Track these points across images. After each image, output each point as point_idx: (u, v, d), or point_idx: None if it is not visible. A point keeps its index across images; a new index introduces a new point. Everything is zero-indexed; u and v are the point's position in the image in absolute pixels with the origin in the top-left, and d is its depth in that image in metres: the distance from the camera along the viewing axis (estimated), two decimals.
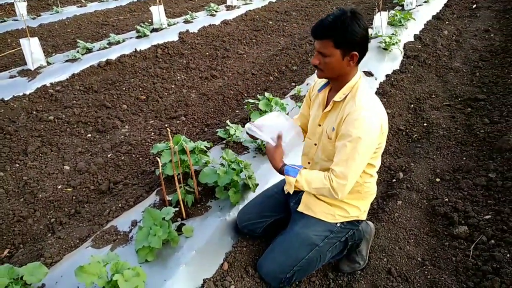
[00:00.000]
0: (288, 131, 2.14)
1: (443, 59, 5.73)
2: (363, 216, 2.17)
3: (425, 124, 4.03)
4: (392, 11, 6.88)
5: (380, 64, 5.11)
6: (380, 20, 5.84)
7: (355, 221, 2.15)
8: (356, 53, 1.82)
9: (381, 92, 4.54)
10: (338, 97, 1.94)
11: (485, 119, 3.95)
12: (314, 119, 2.13)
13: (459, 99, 4.54)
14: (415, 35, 6.37)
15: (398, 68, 5.27)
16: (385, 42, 5.37)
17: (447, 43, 6.33)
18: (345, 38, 1.77)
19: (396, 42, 5.44)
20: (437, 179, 3.19)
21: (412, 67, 5.31)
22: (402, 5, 7.83)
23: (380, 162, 2.09)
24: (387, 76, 4.99)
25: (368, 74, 4.75)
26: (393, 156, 3.58)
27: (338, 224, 2.10)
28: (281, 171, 2.04)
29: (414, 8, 7.56)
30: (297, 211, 2.17)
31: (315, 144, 2.11)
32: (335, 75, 1.92)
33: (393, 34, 5.75)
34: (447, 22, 7.33)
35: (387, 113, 4.03)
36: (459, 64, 5.54)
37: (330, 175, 1.87)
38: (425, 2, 8.03)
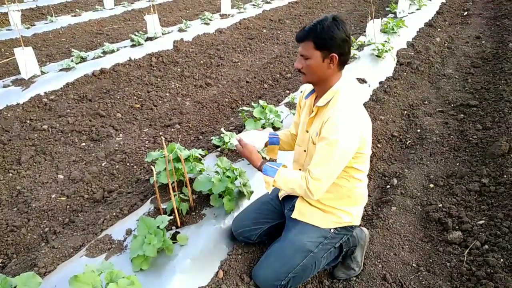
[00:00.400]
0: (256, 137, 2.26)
1: (436, 65, 5.79)
2: (357, 222, 2.18)
3: (418, 131, 4.06)
4: (385, 19, 6.95)
5: (374, 71, 5.15)
6: (373, 27, 5.90)
7: (348, 226, 2.16)
8: (335, 55, 1.87)
9: (374, 99, 4.57)
10: (321, 102, 1.98)
11: (478, 125, 3.99)
12: (302, 126, 2.17)
13: (452, 105, 4.59)
14: (407, 42, 6.44)
15: (391, 75, 5.31)
16: (378, 49, 5.42)
17: (439, 50, 6.40)
18: (324, 39, 1.85)
19: (389, 49, 5.49)
20: (431, 185, 3.21)
21: (405, 73, 5.36)
22: (395, 13, 7.92)
23: (368, 167, 2.10)
24: (380, 83, 5.03)
25: (362, 81, 4.79)
26: (387, 162, 3.60)
27: (332, 230, 2.11)
28: (260, 170, 2.07)
29: (406, 15, 7.65)
30: (292, 218, 2.18)
31: (305, 151, 2.14)
32: (318, 79, 1.97)
33: (386, 41, 5.80)
34: (439, 29, 7.42)
35: (381, 119, 4.12)
36: (451, 71, 5.60)
37: (307, 176, 1.90)
38: (417, 9, 8.14)
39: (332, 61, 1.88)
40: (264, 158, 2.34)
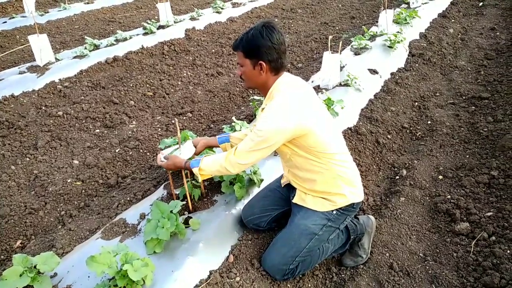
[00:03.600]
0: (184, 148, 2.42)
1: (448, 57, 5.75)
2: (355, 199, 2.16)
3: (429, 122, 4.07)
4: (398, 9, 6.89)
5: (385, 62, 5.14)
6: (386, 18, 5.86)
7: (349, 206, 2.16)
8: (262, 62, 1.97)
9: (385, 90, 4.57)
10: (264, 104, 2.11)
11: (489, 118, 3.98)
12: None
13: (463, 98, 4.57)
14: (420, 33, 6.39)
15: (403, 66, 5.29)
16: (390, 40, 5.39)
17: (453, 42, 6.34)
18: (250, 48, 1.98)
19: (401, 40, 5.47)
20: (440, 177, 3.23)
21: (417, 65, 5.34)
22: (408, 3, 7.83)
23: (339, 148, 2.11)
24: (391, 74, 5.02)
25: (373, 71, 4.79)
26: (396, 153, 3.62)
27: (334, 212, 2.14)
28: (187, 167, 2.21)
29: (419, 6, 7.56)
30: (297, 204, 2.23)
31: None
32: (255, 85, 2.11)
33: (398, 32, 5.77)
34: (453, 20, 7.33)
35: (391, 110, 4.13)
36: (464, 63, 5.56)
37: (231, 150, 2.05)
38: (431, 0, 8.03)
39: (262, 68, 1.99)
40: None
